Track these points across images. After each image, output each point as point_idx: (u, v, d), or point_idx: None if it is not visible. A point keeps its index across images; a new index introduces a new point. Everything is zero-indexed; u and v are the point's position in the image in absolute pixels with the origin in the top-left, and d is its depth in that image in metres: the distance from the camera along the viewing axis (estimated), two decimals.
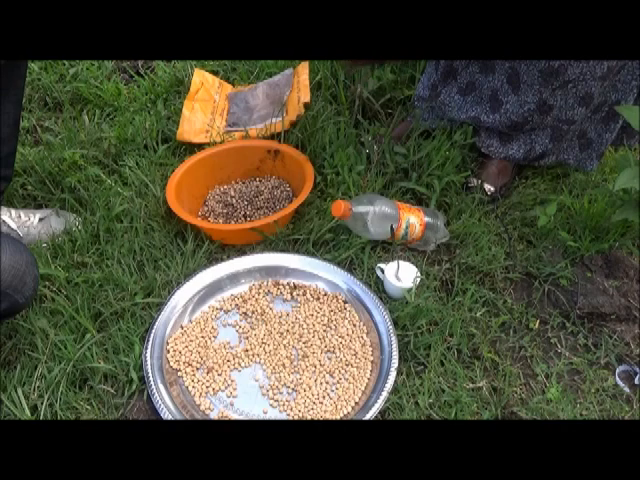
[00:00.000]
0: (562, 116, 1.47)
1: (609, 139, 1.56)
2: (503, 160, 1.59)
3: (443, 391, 1.19)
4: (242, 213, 1.55)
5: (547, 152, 1.56)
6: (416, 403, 1.17)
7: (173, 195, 1.48)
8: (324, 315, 1.32)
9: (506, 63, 1.47)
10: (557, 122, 1.49)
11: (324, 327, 1.30)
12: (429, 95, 1.63)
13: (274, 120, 1.70)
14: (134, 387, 1.18)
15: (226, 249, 1.46)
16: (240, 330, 1.31)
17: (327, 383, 1.22)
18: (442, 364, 1.24)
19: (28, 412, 1.13)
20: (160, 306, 1.31)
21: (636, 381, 1.24)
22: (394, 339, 1.24)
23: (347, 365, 1.24)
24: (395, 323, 1.28)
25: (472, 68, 1.55)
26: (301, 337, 1.29)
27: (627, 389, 1.22)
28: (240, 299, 1.36)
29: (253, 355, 1.26)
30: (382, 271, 1.36)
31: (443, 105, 1.61)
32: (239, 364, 1.25)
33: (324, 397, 1.19)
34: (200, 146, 1.70)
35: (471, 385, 1.20)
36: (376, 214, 1.38)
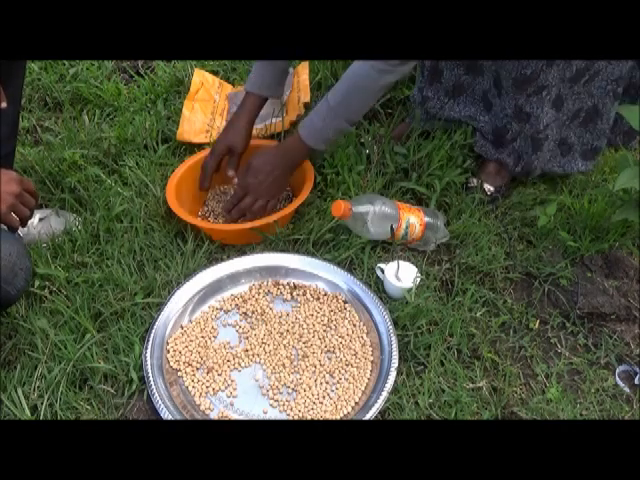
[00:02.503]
0: (540, 125, 1.46)
1: (590, 140, 1.55)
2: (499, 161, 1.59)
3: (443, 391, 1.19)
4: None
5: (532, 166, 1.54)
6: (416, 403, 1.17)
7: (173, 195, 1.48)
8: (324, 315, 1.32)
9: (492, 66, 1.48)
10: (536, 133, 1.47)
11: (324, 327, 1.30)
12: (421, 98, 1.64)
13: (274, 120, 1.70)
14: (134, 387, 1.18)
15: (226, 249, 1.46)
16: (240, 330, 1.31)
17: (327, 383, 1.21)
18: (442, 364, 1.24)
19: (28, 412, 1.13)
20: (160, 306, 1.31)
21: (636, 381, 1.24)
22: (394, 339, 1.24)
23: (347, 365, 1.24)
24: (395, 323, 1.28)
25: (457, 70, 1.55)
26: (301, 337, 1.29)
27: (627, 389, 1.22)
28: (240, 299, 1.36)
29: (253, 355, 1.26)
30: (382, 271, 1.36)
31: (434, 108, 1.61)
32: (239, 364, 1.25)
33: (324, 397, 1.19)
34: (200, 146, 1.70)
35: (471, 385, 1.20)
36: (376, 214, 1.38)
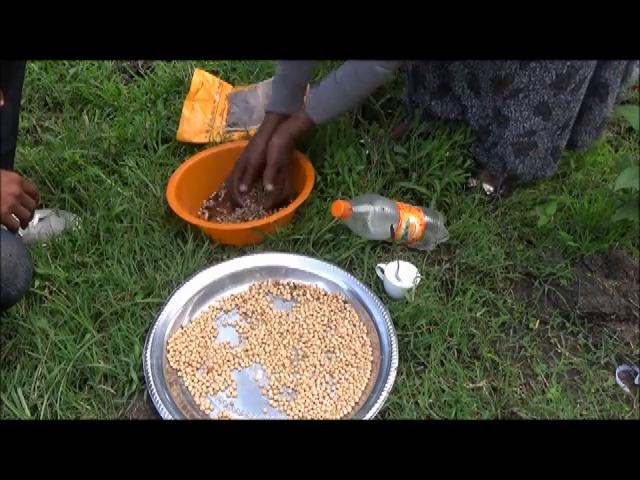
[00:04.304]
0: (520, 130, 1.45)
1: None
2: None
3: (443, 391, 1.19)
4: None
5: (517, 172, 1.53)
6: (416, 403, 1.17)
7: (173, 195, 1.48)
8: (324, 315, 1.32)
9: (465, 69, 1.48)
10: (517, 137, 1.46)
11: (324, 327, 1.30)
12: (410, 102, 1.64)
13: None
14: (134, 387, 1.18)
15: (226, 249, 1.46)
16: (240, 330, 1.31)
17: (327, 383, 1.21)
18: (442, 364, 1.24)
19: (28, 412, 1.13)
20: (160, 306, 1.31)
21: (636, 381, 1.24)
22: (394, 339, 1.24)
23: (347, 365, 1.24)
24: (395, 323, 1.28)
25: (439, 71, 1.55)
26: (301, 337, 1.29)
27: (627, 389, 1.22)
28: (240, 299, 1.36)
29: (253, 355, 1.26)
30: (382, 271, 1.36)
31: (424, 111, 1.61)
32: (239, 364, 1.25)
33: (324, 397, 1.19)
34: (200, 146, 1.70)
35: (471, 385, 1.20)
36: (376, 214, 1.38)
